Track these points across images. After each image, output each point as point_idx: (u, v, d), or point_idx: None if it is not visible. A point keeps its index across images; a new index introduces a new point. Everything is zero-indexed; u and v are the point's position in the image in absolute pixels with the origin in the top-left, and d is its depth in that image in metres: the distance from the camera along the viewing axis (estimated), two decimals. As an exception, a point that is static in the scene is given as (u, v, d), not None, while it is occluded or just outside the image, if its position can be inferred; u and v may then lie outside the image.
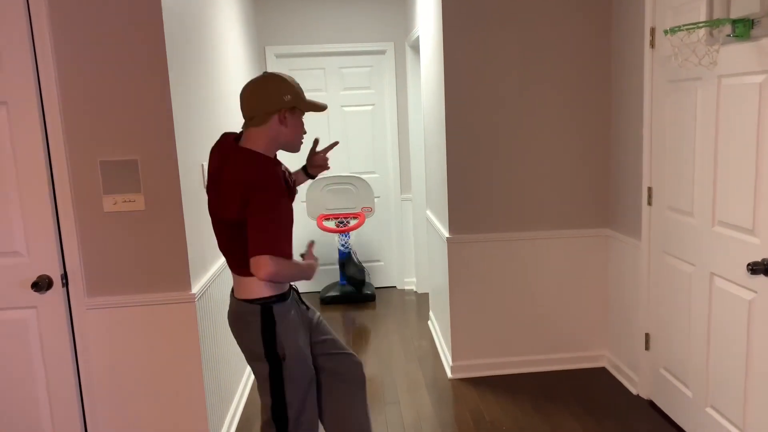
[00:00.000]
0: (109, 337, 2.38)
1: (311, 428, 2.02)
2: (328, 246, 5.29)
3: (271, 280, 1.77)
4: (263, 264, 1.75)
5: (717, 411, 2.52)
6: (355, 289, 4.97)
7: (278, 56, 4.96)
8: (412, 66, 4.95)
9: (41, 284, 2.27)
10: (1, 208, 2.25)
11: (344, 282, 5.08)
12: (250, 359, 1.96)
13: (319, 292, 5.34)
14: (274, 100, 1.86)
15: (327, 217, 4.94)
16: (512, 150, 3.33)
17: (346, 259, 4.93)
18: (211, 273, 2.72)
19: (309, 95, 5.06)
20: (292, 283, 2.04)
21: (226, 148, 1.92)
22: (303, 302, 2.11)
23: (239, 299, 1.94)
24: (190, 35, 2.62)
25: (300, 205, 5.21)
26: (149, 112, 2.26)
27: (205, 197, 2.74)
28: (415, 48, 4.86)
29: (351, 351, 2.24)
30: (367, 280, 5.01)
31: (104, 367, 2.40)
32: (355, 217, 4.96)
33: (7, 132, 2.21)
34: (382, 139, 5.18)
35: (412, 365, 3.70)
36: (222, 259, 2.98)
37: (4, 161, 2.23)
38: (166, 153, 2.29)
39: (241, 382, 3.31)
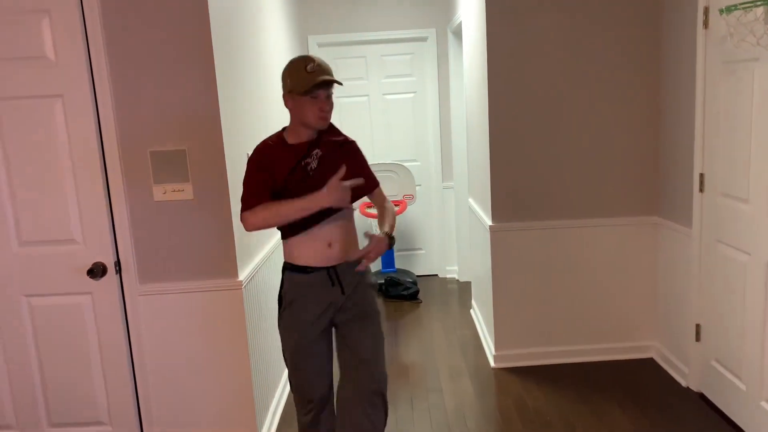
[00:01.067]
0: (160, 323, 2.46)
1: (298, 392, 2.16)
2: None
3: (256, 228, 1.99)
4: (242, 220, 2.02)
5: (772, 405, 2.44)
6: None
7: (320, 45, 4.98)
8: (455, 53, 4.90)
9: (96, 271, 2.36)
10: (58, 198, 2.35)
11: (386, 270, 5.10)
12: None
13: (361, 279, 5.38)
14: (283, 88, 2.06)
15: (369, 205, 4.96)
16: (557, 136, 3.27)
17: (390, 282, 4.86)
18: (258, 260, 2.78)
19: (350, 83, 5.07)
20: (328, 265, 2.08)
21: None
22: (341, 285, 2.10)
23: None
24: (235, 28, 2.66)
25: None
26: (197, 103, 2.31)
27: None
28: (458, 34, 4.80)
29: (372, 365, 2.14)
30: (414, 288, 4.89)
31: (155, 351, 2.49)
32: (396, 205, 4.96)
33: (62, 124, 2.30)
34: (423, 126, 5.16)
35: (454, 354, 3.70)
36: (268, 247, 3.03)
37: (61, 152, 2.32)
38: (213, 143, 2.34)
39: (284, 373, 3.37)
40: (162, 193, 2.36)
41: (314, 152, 2.06)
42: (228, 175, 2.39)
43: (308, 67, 1.97)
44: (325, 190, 1.94)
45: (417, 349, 3.80)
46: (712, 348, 2.87)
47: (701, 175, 2.86)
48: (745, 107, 2.49)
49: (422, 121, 5.15)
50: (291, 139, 2.08)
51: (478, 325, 4.07)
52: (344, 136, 2.19)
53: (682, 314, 3.12)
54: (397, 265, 5.37)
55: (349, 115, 5.12)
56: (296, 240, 2.07)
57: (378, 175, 4.86)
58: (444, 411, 3.01)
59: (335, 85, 2.03)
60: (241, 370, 2.52)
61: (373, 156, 5.19)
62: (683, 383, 3.10)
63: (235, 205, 2.47)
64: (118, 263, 2.41)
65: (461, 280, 5.21)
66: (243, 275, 2.50)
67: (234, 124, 2.54)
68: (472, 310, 4.40)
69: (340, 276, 2.10)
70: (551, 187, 3.31)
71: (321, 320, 2.12)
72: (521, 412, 2.94)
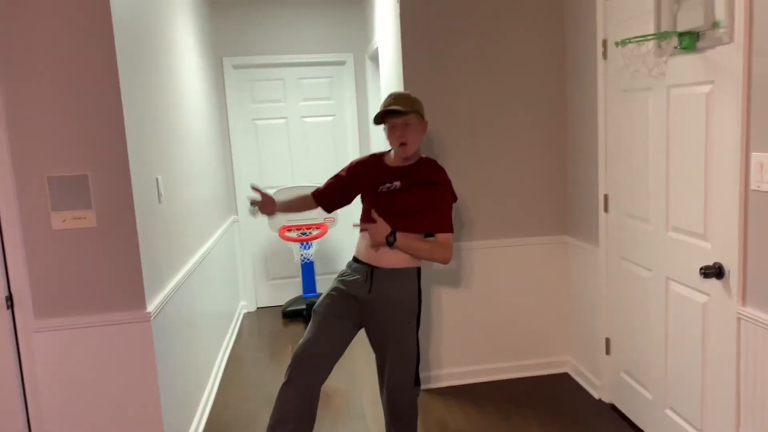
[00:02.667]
0: (59, 361, 2.28)
1: (298, 351, 2.31)
2: (289, 257, 5.22)
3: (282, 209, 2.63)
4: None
5: (676, 412, 2.57)
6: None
7: (236, 67, 4.90)
8: (373, 77, 4.96)
9: (-15, 307, 2.16)
10: (-60, 228, 2.14)
11: (307, 295, 5.02)
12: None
13: (281, 305, 5.27)
14: None
15: (289, 228, 4.89)
16: (472, 161, 3.36)
17: (312, 306, 4.78)
18: (169, 289, 2.65)
19: (267, 106, 5.01)
20: (362, 258, 2.40)
21: None
22: (371, 284, 2.35)
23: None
24: (143, 46, 2.56)
25: (261, 218, 5.14)
26: (100, 125, 2.19)
27: (161, 211, 2.67)
28: (375, 59, 4.87)
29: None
30: None
31: (54, 393, 2.30)
32: (317, 228, 4.91)
33: (-54, 148, 2.10)
34: (343, 149, 5.16)
35: (376, 378, 3.66)
36: (181, 273, 2.90)
37: (-56, 178, 2.12)
38: (118, 167, 2.22)
39: (203, 399, 3.22)
40: (61, 221, 2.20)
41: (395, 183, 2.35)
42: (135, 200, 2.27)
43: (384, 102, 2.32)
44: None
45: (338, 375, 3.74)
46: (621, 360, 3.01)
47: (605, 196, 3.02)
48: (641, 133, 2.67)
49: (342, 144, 5.16)
50: (389, 161, 2.42)
51: (400, 348, 4.06)
52: (438, 176, 2.39)
53: (592, 329, 3.26)
54: (319, 289, 5.30)
55: (267, 138, 5.05)
56: (359, 236, 2.45)
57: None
58: (367, 437, 2.96)
59: (411, 114, 2.29)
60: (151, 408, 2.37)
61: (292, 179, 5.13)
62: (596, 395, 3.23)
63: (144, 232, 2.34)
64: (9, 297, 2.21)
65: (383, 302, 5.20)
66: (152, 306, 2.37)
67: (142, 148, 2.43)
68: (394, 333, 4.39)
69: (374, 276, 2.33)
70: (468, 210, 3.39)
71: (350, 302, 2.37)
72: (443, 433, 2.95)
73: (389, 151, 2.46)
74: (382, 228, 2.29)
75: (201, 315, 3.37)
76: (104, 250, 2.25)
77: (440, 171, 2.40)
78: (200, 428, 3.07)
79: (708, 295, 2.29)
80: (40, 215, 2.19)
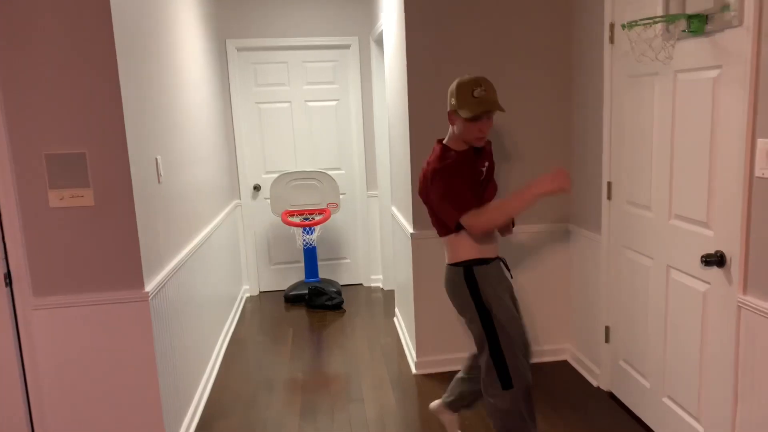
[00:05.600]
0: (58, 339, 2.29)
1: (518, 340, 2.24)
2: (292, 243, 5.22)
3: (486, 228, 2.12)
4: (467, 224, 2.14)
5: (673, 401, 2.56)
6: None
7: (239, 49, 4.87)
8: (377, 61, 4.91)
9: (-17, 284, 2.17)
10: (-61, 204, 2.14)
11: (309, 280, 5.02)
12: (467, 321, 2.29)
13: (283, 290, 5.28)
14: (448, 104, 2.26)
15: (292, 213, 4.88)
16: (475, 145, 3.32)
17: (313, 292, 4.79)
18: (168, 269, 2.65)
19: (270, 89, 4.98)
20: (499, 255, 2.38)
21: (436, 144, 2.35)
22: (509, 270, 2.37)
23: (448, 264, 2.33)
24: (142, 25, 2.54)
25: (264, 202, 5.13)
26: (97, 102, 2.17)
27: (161, 191, 2.66)
28: (380, 43, 4.83)
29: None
30: (339, 299, 4.83)
31: (52, 369, 2.31)
32: (320, 213, 4.91)
33: (-56, 124, 2.10)
34: (347, 134, 5.14)
35: (377, 362, 3.67)
36: (181, 254, 2.90)
37: (-58, 155, 2.11)
38: (115, 146, 2.21)
39: (202, 380, 3.24)
40: (59, 199, 2.20)
41: (485, 163, 2.32)
42: (133, 180, 2.26)
43: (475, 92, 2.16)
44: (548, 176, 2.09)
45: (339, 360, 3.74)
46: (620, 349, 2.99)
47: (609, 184, 2.98)
48: (647, 119, 2.63)
49: (346, 129, 5.13)
50: (460, 147, 2.27)
51: (400, 333, 4.07)
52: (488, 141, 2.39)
53: (593, 317, 3.24)
54: (321, 275, 5.30)
55: (270, 122, 5.03)
56: (476, 237, 2.24)
57: (301, 183, 4.84)
58: (365, 421, 2.97)
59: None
60: (149, 386, 2.38)
61: (296, 164, 5.11)
62: (594, 383, 3.22)
63: (142, 211, 2.34)
64: (8, 275, 2.22)
65: (386, 288, 5.21)
66: (150, 286, 2.37)
67: (141, 126, 2.41)
68: (395, 318, 4.39)
69: (507, 263, 2.43)
70: (470, 195, 3.36)
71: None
72: (441, 418, 2.95)
73: (444, 144, 2.28)
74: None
75: (202, 297, 3.37)
76: (102, 228, 2.24)
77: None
78: (199, 409, 3.08)
79: (709, 283, 2.27)
80: (38, 193, 2.19)
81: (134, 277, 2.29)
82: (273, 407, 3.15)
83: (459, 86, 2.20)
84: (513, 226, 2.44)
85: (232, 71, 4.86)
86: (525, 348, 2.29)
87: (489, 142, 2.40)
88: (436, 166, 2.21)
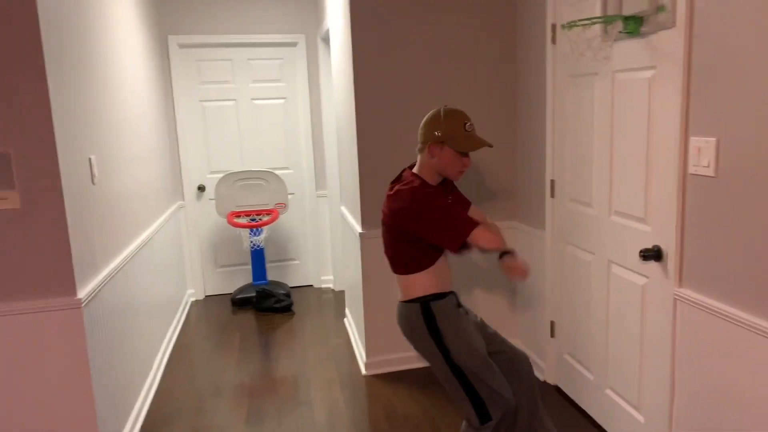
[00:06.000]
0: (-18, 350, 2.15)
1: (505, 393, 2.12)
2: (239, 244, 5.11)
3: (497, 243, 2.02)
4: (480, 239, 2.01)
5: (615, 392, 2.62)
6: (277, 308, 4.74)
7: (182, 46, 4.72)
8: (325, 59, 4.86)
9: None
10: None
11: (257, 282, 4.92)
12: (429, 361, 2.14)
13: (230, 293, 5.16)
14: (428, 134, 2.11)
15: (238, 214, 4.77)
16: (422, 144, 3.32)
17: (261, 295, 4.69)
18: (104, 274, 2.53)
19: (215, 87, 4.86)
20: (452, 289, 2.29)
21: (400, 176, 2.21)
22: (461, 305, 2.24)
23: (402, 301, 2.17)
24: (73, 21, 2.42)
25: (209, 203, 5.00)
26: (23, 101, 2.05)
27: (96, 193, 2.54)
28: (327, 41, 4.78)
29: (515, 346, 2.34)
30: (287, 301, 4.74)
31: (-23, 383, 2.17)
32: (268, 214, 4.82)
33: None
34: (295, 133, 5.06)
35: (326, 364, 3.63)
36: (119, 258, 2.78)
37: None
38: (43, 146, 2.09)
39: (144, 388, 3.12)
40: (-19, 201, 2.06)
41: (449, 197, 2.26)
42: (63, 181, 2.14)
43: (467, 126, 2.11)
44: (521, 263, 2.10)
45: (288, 363, 3.68)
46: (565, 343, 3.05)
47: (552, 182, 3.04)
48: (587, 118, 2.68)
49: (294, 127, 5.05)
50: (433, 182, 2.16)
51: (351, 334, 4.04)
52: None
53: (538, 312, 3.29)
54: (270, 277, 5.21)
55: (215, 120, 4.90)
56: (434, 270, 2.14)
57: (248, 183, 4.74)
58: (313, 423, 2.92)
59: None
60: (82, 399, 2.27)
61: (242, 163, 5.01)
62: (541, 378, 3.27)
63: (74, 214, 2.22)
64: (-75, 284, 2.07)
65: (336, 289, 5.16)
66: (83, 292, 2.26)
67: (72, 125, 2.30)
68: (345, 319, 4.36)
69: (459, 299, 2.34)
70: (417, 194, 3.36)
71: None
72: (390, 417, 2.94)
73: (416, 176, 2.14)
74: (520, 262, 2.12)
75: (142, 302, 3.25)
76: (29, 233, 2.12)
77: None
78: (140, 418, 2.96)
79: (647, 277, 2.33)
80: (-42, 196, 2.04)
81: (65, 283, 2.17)
82: (218, 413, 3.07)
83: (449, 118, 2.10)
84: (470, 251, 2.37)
85: (175, 68, 4.71)
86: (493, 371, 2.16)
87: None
88: (423, 192, 2.04)
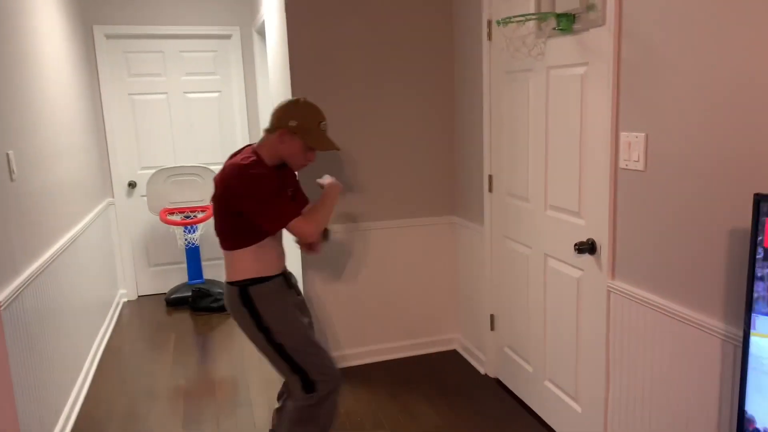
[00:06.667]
0: None
1: (331, 365, 2.21)
2: (173, 242, 4.93)
3: (317, 231, 2.12)
4: (300, 228, 2.09)
5: (554, 383, 2.69)
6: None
7: (109, 37, 4.50)
8: (260, 52, 4.76)
9: None
10: None
11: (193, 281, 4.77)
12: (252, 340, 2.19)
13: (164, 293, 4.97)
14: (282, 119, 2.13)
15: (171, 211, 4.60)
16: (360, 141, 3.30)
17: (197, 294, 4.55)
18: (25, 276, 2.37)
19: (145, 80, 4.66)
20: (285, 270, 2.30)
21: (241, 150, 2.22)
22: (293, 287, 2.32)
23: (226, 281, 2.20)
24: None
25: (140, 200, 4.80)
26: (-72, 89, 1.89)
27: (15, 190, 2.38)
28: (263, 34, 4.67)
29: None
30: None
31: None
32: (202, 210, 4.67)
33: None
34: (230, 127, 4.93)
35: (266, 365, 3.55)
36: (41, 259, 2.61)
37: None
38: (-48, 139, 1.93)
39: (72, 394, 2.95)
40: None
41: (290, 190, 2.28)
42: (-24, 178, 1.99)
43: (321, 125, 2.17)
44: (334, 183, 2.29)
45: (226, 364, 3.58)
46: (504, 336, 3.11)
47: (490, 177, 3.08)
48: (523, 114, 2.73)
49: (229, 122, 4.92)
50: (271, 164, 2.17)
51: (291, 332, 3.97)
52: None
53: (478, 306, 3.34)
54: (206, 275, 5.06)
55: (145, 114, 4.70)
56: (258, 251, 2.15)
57: (181, 179, 4.58)
58: (253, 425, 2.85)
59: None
60: (3, 406, 2.11)
61: (174, 159, 4.83)
62: (482, 371, 3.32)
63: (-11, 213, 2.07)
64: None
65: (275, 286, 5.06)
66: (2, 295, 2.10)
67: (-14, 117, 2.13)
68: (285, 317, 4.28)
69: (292, 280, 2.33)
70: (358, 191, 3.34)
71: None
72: (333, 416, 2.90)
73: (256, 155, 2.13)
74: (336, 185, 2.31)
75: (69, 305, 3.08)
76: (-62, 233, 1.95)
77: None
78: (69, 425, 2.81)
79: (582, 270, 2.40)
80: None
81: (-20, 287, 2.02)
82: (153, 418, 2.94)
83: (306, 111, 2.15)
84: (326, 240, 2.45)
85: (101, 60, 4.49)
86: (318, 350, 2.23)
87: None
88: (255, 172, 2.04)
